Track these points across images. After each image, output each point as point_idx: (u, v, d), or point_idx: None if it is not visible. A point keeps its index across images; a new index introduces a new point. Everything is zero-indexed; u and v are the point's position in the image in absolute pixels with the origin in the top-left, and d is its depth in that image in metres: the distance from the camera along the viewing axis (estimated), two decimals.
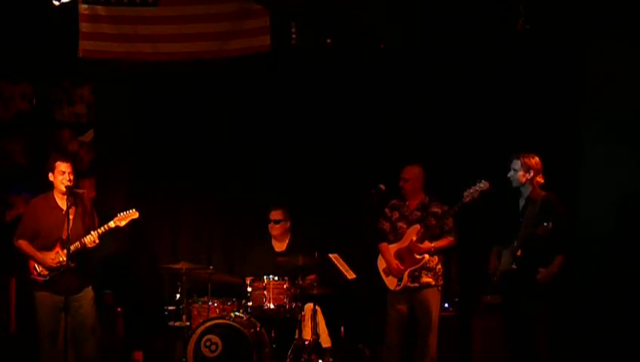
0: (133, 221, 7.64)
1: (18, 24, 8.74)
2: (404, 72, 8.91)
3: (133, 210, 7.55)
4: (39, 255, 7.40)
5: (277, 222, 8.69)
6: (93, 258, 7.55)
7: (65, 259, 7.29)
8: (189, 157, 9.32)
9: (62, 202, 7.44)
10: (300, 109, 9.22)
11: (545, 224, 6.85)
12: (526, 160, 7.08)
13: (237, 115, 9.30)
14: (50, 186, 7.51)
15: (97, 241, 7.41)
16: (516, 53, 8.47)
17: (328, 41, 8.70)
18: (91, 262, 7.54)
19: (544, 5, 7.93)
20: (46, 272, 7.38)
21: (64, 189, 7.39)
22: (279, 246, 8.77)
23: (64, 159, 7.51)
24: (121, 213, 7.52)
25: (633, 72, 8.11)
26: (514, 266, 7.03)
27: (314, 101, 9.18)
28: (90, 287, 7.53)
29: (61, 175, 7.40)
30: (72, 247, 7.27)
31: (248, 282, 8.31)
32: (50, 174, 7.47)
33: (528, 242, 6.96)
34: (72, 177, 7.42)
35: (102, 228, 7.43)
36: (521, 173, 7.09)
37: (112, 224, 7.45)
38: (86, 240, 7.37)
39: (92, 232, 7.40)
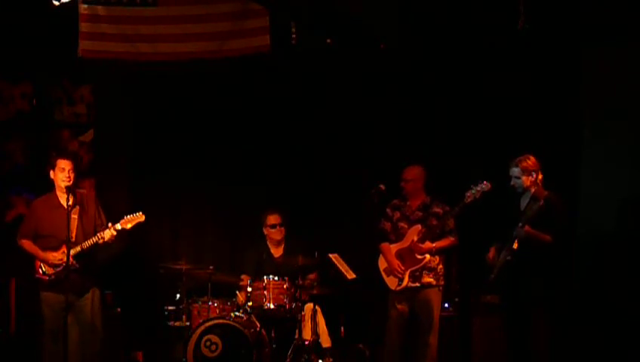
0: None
1: (18, 24, 8.73)
2: (404, 72, 8.91)
3: (140, 213, 7.51)
4: (42, 254, 7.39)
5: (274, 226, 8.66)
6: (97, 259, 7.54)
7: (71, 258, 7.27)
8: (188, 157, 9.32)
9: (64, 201, 7.41)
10: (300, 109, 9.22)
11: (539, 204, 6.87)
12: (524, 164, 7.11)
13: (237, 115, 9.30)
14: (52, 186, 7.49)
15: (115, 236, 7.36)
16: (516, 53, 8.48)
17: (328, 41, 8.70)
18: (96, 262, 7.53)
19: (544, 5, 7.94)
20: (51, 271, 7.37)
21: (67, 183, 7.35)
22: (276, 251, 8.75)
23: (65, 157, 7.47)
24: (128, 216, 7.48)
25: (633, 72, 8.12)
26: (509, 258, 7.03)
27: (314, 101, 9.18)
28: (97, 289, 7.51)
29: (61, 172, 7.38)
30: (86, 244, 7.28)
31: (248, 282, 8.30)
32: (51, 172, 7.44)
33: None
34: (72, 175, 7.37)
35: (116, 226, 7.38)
36: (524, 178, 7.11)
37: (118, 226, 7.41)
38: (105, 236, 7.33)
39: (109, 229, 7.35)
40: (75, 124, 9.33)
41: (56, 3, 8.21)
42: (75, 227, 7.35)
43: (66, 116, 9.32)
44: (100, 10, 8.58)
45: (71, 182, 7.36)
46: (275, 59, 8.82)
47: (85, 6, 8.54)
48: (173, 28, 8.68)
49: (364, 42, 8.75)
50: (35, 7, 8.52)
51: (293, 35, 8.53)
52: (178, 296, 8.32)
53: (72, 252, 7.26)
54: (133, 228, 7.51)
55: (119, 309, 8.74)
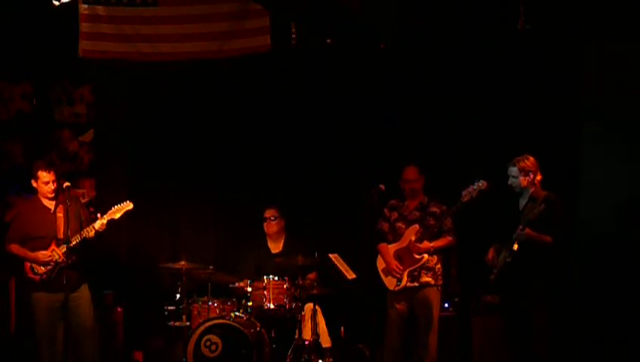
0: (133, 221, 7.63)
1: (18, 24, 8.74)
2: (404, 72, 8.91)
3: (127, 201, 7.54)
4: (31, 254, 7.39)
5: (273, 219, 8.70)
6: (89, 254, 7.53)
7: (60, 255, 7.29)
8: (188, 157, 9.32)
9: (48, 203, 7.47)
10: (300, 109, 9.22)
11: (539, 207, 6.88)
12: (522, 164, 7.11)
13: (237, 115, 9.30)
14: (35, 190, 7.53)
15: (105, 226, 7.36)
16: (516, 53, 8.48)
17: (328, 41, 8.70)
18: (88, 258, 7.53)
19: (544, 5, 7.94)
20: (41, 270, 7.38)
21: (50, 196, 7.41)
22: (275, 246, 8.78)
23: (46, 168, 7.46)
24: (116, 206, 7.51)
25: (633, 72, 8.12)
26: (509, 259, 7.03)
27: (314, 101, 9.18)
28: (87, 285, 7.52)
29: (45, 185, 7.42)
30: (77, 238, 7.28)
31: (248, 283, 8.30)
32: (33, 181, 7.47)
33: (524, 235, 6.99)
34: (55, 185, 7.41)
35: (105, 217, 7.40)
36: (521, 178, 7.11)
37: (106, 217, 7.43)
38: (96, 226, 7.34)
39: (100, 220, 7.36)
40: (75, 124, 9.33)
41: (56, 3, 8.20)
42: (63, 225, 7.35)
43: (66, 116, 9.32)
44: (100, 10, 8.58)
45: (55, 190, 7.40)
46: (275, 59, 8.83)
47: (85, 6, 8.54)
48: (173, 28, 8.68)
49: (364, 42, 8.74)
50: (35, 7, 8.52)
51: (293, 35, 8.52)
52: (178, 296, 8.31)
53: (62, 249, 7.29)
54: (122, 217, 7.50)
55: (119, 309, 8.74)
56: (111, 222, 7.45)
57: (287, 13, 8.52)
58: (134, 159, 9.39)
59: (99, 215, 7.45)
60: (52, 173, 7.44)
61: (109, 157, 9.33)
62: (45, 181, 7.41)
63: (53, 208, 7.44)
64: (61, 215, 7.40)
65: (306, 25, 8.54)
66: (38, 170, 7.44)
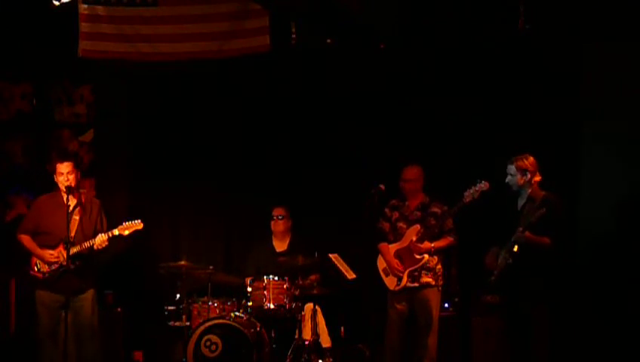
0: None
1: (18, 24, 8.74)
2: (404, 72, 8.91)
3: (139, 221, 7.51)
4: (39, 250, 7.40)
5: (280, 217, 8.72)
6: (96, 260, 7.53)
7: (66, 258, 7.28)
8: (189, 157, 9.32)
9: (69, 201, 7.44)
10: (300, 109, 9.22)
11: (540, 210, 6.88)
12: (520, 163, 7.10)
13: (237, 115, 9.31)
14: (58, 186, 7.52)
15: (107, 243, 7.38)
16: (516, 53, 8.48)
17: (328, 41, 8.70)
18: (94, 264, 7.53)
19: (544, 5, 7.94)
20: (46, 269, 7.38)
21: (64, 190, 7.38)
22: (280, 245, 8.79)
23: (63, 160, 7.50)
24: (126, 223, 7.48)
25: (633, 72, 8.12)
26: (510, 261, 7.03)
27: (314, 101, 9.18)
28: (93, 289, 7.51)
29: (60, 176, 7.40)
30: (77, 248, 7.27)
31: (248, 282, 8.32)
32: (54, 176, 7.47)
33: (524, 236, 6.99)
34: (71, 176, 7.39)
35: (109, 233, 7.41)
36: (518, 176, 7.11)
37: (115, 232, 7.42)
38: (96, 242, 7.34)
39: (101, 234, 7.37)
40: (75, 124, 9.33)
41: (57, 3, 8.20)
42: (75, 228, 7.35)
43: (66, 116, 9.32)
44: (100, 10, 8.59)
45: (70, 182, 7.37)
46: (275, 59, 8.83)
47: (85, 6, 8.54)
48: (173, 28, 8.68)
49: (364, 42, 8.74)
50: (35, 7, 8.52)
51: (293, 35, 8.52)
52: (178, 296, 8.32)
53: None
54: (131, 234, 7.51)
55: (119, 309, 8.74)
56: (118, 237, 7.44)
57: (287, 13, 8.52)
58: (134, 159, 9.39)
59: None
60: (66, 163, 7.43)
61: (109, 157, 9.33)
62: (60, 171, 7.39)
63: (72, 208, 7.39)
64: (77, 217, 7.39)
65: (306, 25, 8.54)
66: (56, 163, 7.46)
